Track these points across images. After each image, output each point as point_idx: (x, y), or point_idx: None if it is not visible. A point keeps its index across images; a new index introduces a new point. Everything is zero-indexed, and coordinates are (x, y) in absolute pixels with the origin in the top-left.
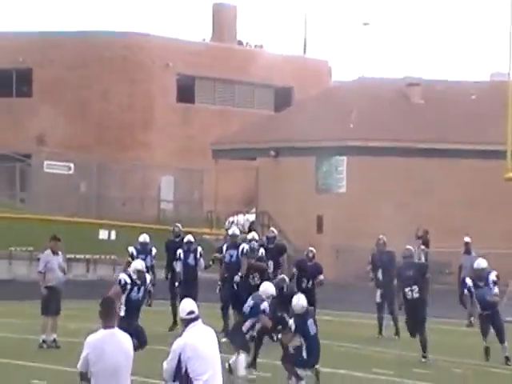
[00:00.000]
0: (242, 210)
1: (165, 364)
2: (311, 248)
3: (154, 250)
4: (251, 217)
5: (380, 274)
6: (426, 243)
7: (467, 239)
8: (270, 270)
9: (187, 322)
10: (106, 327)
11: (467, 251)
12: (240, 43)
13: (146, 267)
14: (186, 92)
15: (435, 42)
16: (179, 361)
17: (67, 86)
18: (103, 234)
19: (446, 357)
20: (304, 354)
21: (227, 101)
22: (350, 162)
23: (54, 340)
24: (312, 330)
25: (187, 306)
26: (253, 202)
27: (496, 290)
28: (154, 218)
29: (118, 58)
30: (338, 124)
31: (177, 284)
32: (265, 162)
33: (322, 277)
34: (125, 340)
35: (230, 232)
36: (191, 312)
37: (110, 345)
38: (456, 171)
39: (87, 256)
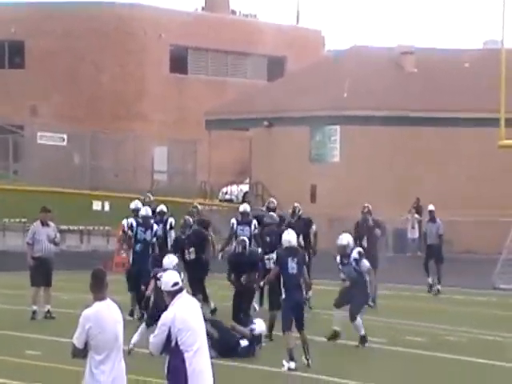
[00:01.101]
0: (236, 180)
1: (151, 338)
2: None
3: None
4: (245, 187)
5: (365, 242)
6: (419, 211)
7: (431, 207)
8: (301, 243)
9: (173, 294)
10: (99, 299)
11: (432, 219)
12: (233, 13)
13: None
14: (178, 62)
15: (428, 10)
16: (169, 334)
17: (59, 57)
18: (97, 205)
19: (441, 324)
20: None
21: (220, 71)
22: (343, 131)
23: (48, 311)
24: (291, 268)
25: (171, 278)
26: (246, 172)
27: (362, 265)
28: (147, 188)
29: (111, 29)
30: (332, 93)
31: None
32: (258, 132)
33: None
34: (117, 310)
35: (240, 209)
36: (175, 283)
37: (109, 316)
38: (450, 139)
39: (81, 227)
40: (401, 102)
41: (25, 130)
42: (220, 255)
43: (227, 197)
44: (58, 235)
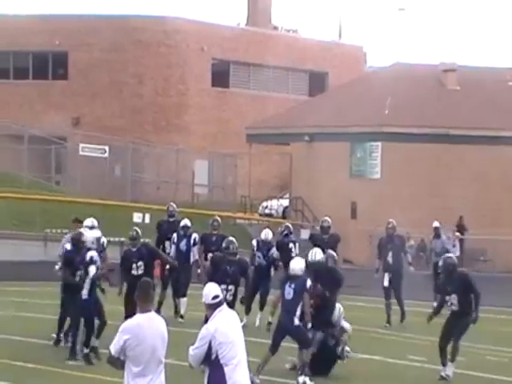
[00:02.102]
0: (276, 194)
1: (191, 350)
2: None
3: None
4: (285, 202)
5: (390, 258)
6: (462, 230)
7: (436, 224)
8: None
9: (214, 308)
10: (142, 311)
11: (437, 235)
12: (275, 28)
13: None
14: (220, 76)
15: (471, 28)
16: (209, 347)
17: (103, 69)
18: (137, 217)
19: (481, 344)
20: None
21: (262, 85)
22: (384, 147)
23: None
24: (287, 294)
25: (212, 290)
26: (286, 186)
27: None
28: (187, 202)
29: (154, 42)
30: (373, 110)
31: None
32: (299, 146)
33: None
34: (161, 323)
35: (262, 236)
36: (216, 296)
37: (149, 329)
38: (492, 158)
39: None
40: (442, 120)
41: (67, 141)
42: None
43: (267, 211)
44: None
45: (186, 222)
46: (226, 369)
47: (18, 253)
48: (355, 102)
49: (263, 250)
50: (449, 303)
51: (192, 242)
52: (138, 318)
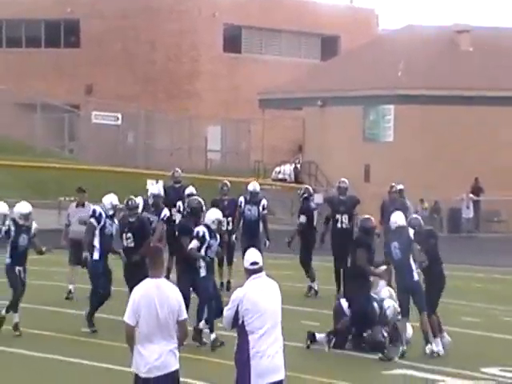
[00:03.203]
0: (289, 159)
1: (225, 311)
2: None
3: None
4: (298, 166)
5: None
6: (477, 191)
7: (400, 186)
8: (346, 224)
9: (250, 273)
10: (151, 276)
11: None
12: None
13: None
14: (232, 42)
15: None
16: (237, 311)
17: (114, 36)
18: (150, 184)
19: (495, 305)
20: None
21: (274, 50)
22: (397, 110)
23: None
24: (395, 255)
25: (251, 256)
26: (300, 151)
27: None
28: (201, 168)
29: (165, 9)
30: (386, 73)
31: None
32: (311, 111)
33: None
34: (170, 290)
35: (249, 188)
36: (254, 263)
37: (154, 294)
38: (507, 118)
39: None
40: (456, 81)
41: (80, 109)
42: (234, 236)
43: (280, 176)
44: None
45: (191, 189)
46: (250, 337)
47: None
48: (368, 65)
49: (253, 203)
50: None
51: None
52: (145, 283)
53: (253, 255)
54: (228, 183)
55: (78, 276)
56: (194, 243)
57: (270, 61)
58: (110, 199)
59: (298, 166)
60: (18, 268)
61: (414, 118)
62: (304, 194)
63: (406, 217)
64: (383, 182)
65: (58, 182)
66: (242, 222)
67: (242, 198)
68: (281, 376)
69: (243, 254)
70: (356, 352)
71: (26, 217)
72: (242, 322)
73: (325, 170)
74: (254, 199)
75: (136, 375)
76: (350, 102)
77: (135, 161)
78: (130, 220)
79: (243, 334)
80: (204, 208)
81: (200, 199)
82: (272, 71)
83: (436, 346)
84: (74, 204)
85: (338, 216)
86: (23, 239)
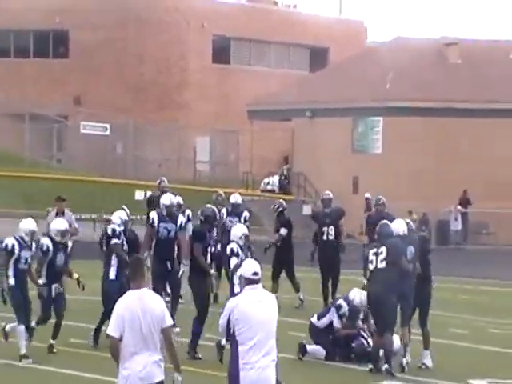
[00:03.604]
0: (278, 171)
1: (220, 319)
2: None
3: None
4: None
5: None
6: (465, 203)
7: (367, 195)
8: (332, 236)
9: (247, 283)
10: (133, 287)
11: (368, 208)
12: (275, 3)
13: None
14: (221, 53)
15: (472, 0)
16: (229, 320)
17: (103, 47)
18: (139, 195)
19: (483, 317)
20: None
21: (263, 62)
22: (386, 122)
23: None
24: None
25: (252, 266)
26: (288, 163)
27: None
28: (189, 179)
29: (154, 20)
30: (375, 84)
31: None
32: (300, 122)
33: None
34: (152, 301)
35: (231, 200)
36: (256, 273)
37: (137, 305)
38: (495, 130)
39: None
40: (444, 94)
41: (69, 119)
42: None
43: (269, 187)
44: (74, 224)
45: (178, 199)
46: (240, 347)
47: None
48: (356, 77)
49: (234, 214)
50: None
51: (185, 218)
52: (127, 295)
53: (254, 265)
54: (222, 193)
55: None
56: (235, 261)
57: (258, 72)
58: (119, 215)
59: (283, 177)
60: (54, 286)
61: (402, 130)
62: (279, 208)
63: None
64: (372, 193)
65: (45, 193)
66: (222, 233)
67: (223, 210)
68: None
69: (224, 265)
70: (345, 363)
71: (63, 234)
72: (233, 331)
73: (313, 181)
74: (235, 211)
75: None
76: (338, 113)
77: (124, 171)
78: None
79: (234, 345)
80: (218, 216)
81: (214, 208)
82: (261, 82)
83: (424, 359)
84: (53, 213)
85: (324, 228)
86: (60, 258)
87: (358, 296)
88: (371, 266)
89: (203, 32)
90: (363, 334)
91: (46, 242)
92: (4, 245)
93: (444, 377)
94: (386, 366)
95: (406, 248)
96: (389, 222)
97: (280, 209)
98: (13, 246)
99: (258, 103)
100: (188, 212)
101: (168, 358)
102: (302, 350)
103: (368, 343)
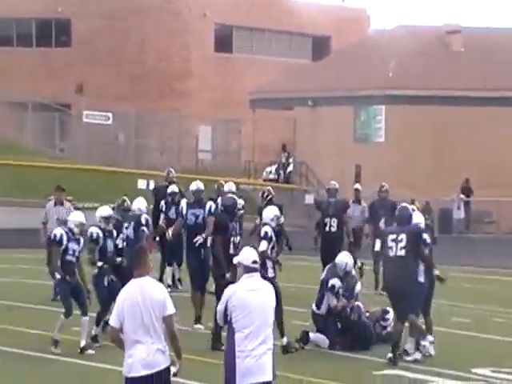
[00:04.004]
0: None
1: (218, 306)
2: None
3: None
4: (289, 167)
5: (383, 224)
6: (467, 192)
7: (357, 186)
8: (334, 227)
9: (246, 271)
10: (135, 276)
11: (357, 200)
12: None
13: None
14: (223, 41)
15: None
16: (226, 307)
17: (105, 36)
18: (141, 184)
19: (486, 306)
20: None
21: (265, 50)
22: (388, 111)
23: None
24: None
25: (252, 254)
26: (290, 151)
27: None
28: (191, 168)
29: (155, 8)
30: (377, 73)
31: (157, 238)
32: (302, 111)
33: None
34: (152, 287)
35: (226, 188)
36: (255, 262)
37: (138, 293)
38: (498, 119)
39: None
40: (447, 82)
41: (71, 108)
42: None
43: (271, 176)
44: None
45: (173, 188)
46: (236, 335)
47: (22, 220)
48: (359, 65)
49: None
50: None
51: (180, 209)
52: (129, 285)
53: (253, 254)
54: (172, 170)
55: None
56: (265, 245)
57: (260, 61)
58: (139, 205)
59: (280, 165)
60: (110, 276)
61: (405, 119)
62: (268, 196)
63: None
64: (374, 182)
65: (48, 182)
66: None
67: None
68: (267, 377)
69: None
70: (347, 352)
71: (107, 220)
72: (230, 318)
73: (316, 170)
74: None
75: (125, 377)
76: (340, 102)
77: (126, 160)
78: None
79: (231, 332)
80: (238, 206)
81: (235, 197)
82: (263, 71)
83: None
84: (52, 202)
85: (327, 220)
86: (110, 244)
87: (349, 260)
88: (391, 253)
89: (205, 20)
90: (361, 307)
91: (94, 230)
92: (53, 235)
93: (447, 366)
94: (390, 354)
95: (424, 236)
96: (408, 206)
97: (269, 196)
98: (61, 236)
99: (260, 92)
100: (184, 202)
101: (170, 347)
102: (305, 338)
103: (375, 325)
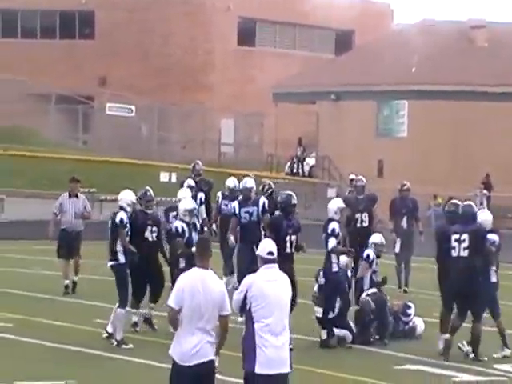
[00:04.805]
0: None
1: (234, 295)
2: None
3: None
4: (311, 161)
5: (404, 222)
6: (488, 187)
7: (352, 176)
8: (366, 222)
9: (264, 262)
10: (199, 266)
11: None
12: None
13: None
14: (246, 35)
15: None
16: (245, 297)
17: (129, 28)
18: (164, 177)
19: (508, 301)
20: None
21: (288, 44)
22: (411, 105)
23: (74, 282)
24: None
25: (268, 245)
26: (313, 145)
27: None
28: (214, 161)
29: (179, 1)
30: (400, 68)
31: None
32: (325, 105)
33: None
34: (213, 280)
35: (231, 185)
36: (271, 253)
37: (198, 284)
38: None
39: None
40: (470, 77)
41: (94, 100)
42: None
43: (294, 170)
44: (88, 208)
45: (189, 181)
46: (256, 325)
47: (47, 212)
48: (382, 60)
49: (230, 199)
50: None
51: (199, 201)
52: (191, 272)
53: (270, 245)
54: (200, 162)
55: (71, 267)
56: (334, 241)
57: (283, 54)
58: (184, 206)
59: (295, 159)
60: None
61: (428, 114)
62: (268, 190)
63: (417, 215)
64: (396, 177)
65: (71, 173)
66: (219, 217)
67: (219, 194)
68: (286, 369)
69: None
70: (367, 347)
71: (192, 213)
72: (250, 308)
73: (338, 164)
74: (232, 195)
75: (174, 361)
76: (363, 96)
77: (149, 153)
78: (149, 212)
79: (250, 322)
80: (295, 203)
81: (290, 193)
82: (286, 65)
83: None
84: (67, 194)
85: (357, 215)
86: (195, 237)
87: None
88: (454, 253)
89: (229, 14)
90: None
91: (178, 224)
92: (174, 227)
93: (469, 361)
94: (472, 354)
95: (489, 235)
96: (472, 203)
97: (270, 190)
98: (182, 228)
99: (283, 86)
100: (201, 195)
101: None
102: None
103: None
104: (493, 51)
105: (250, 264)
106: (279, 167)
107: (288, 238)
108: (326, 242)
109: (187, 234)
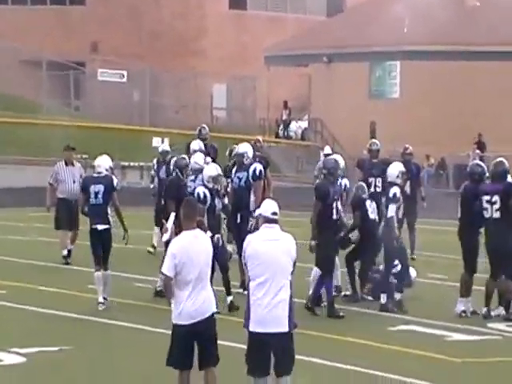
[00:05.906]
0: (295, 116)
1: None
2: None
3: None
4: (303, 124)
5: (407, 188)
6: (481, 147)
7: (328, 151)
8: (379, 187)
9: (265, 221)
10: (187, 228)
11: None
12: None
13: None
14: None
15: None
16: (244, 256)
17: None
18: (156, 142)
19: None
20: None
21: (279, 7)
22: (403, 66)
23: (69, 251)
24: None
25: (271, 206)
26: (305, 108)
27: None
28: (206, 125)
29: None
30: (392, 28)
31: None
32: (317, 68)
33: None
34: (205, 239)
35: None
36: (275, 213)
37: (195, 245)
38: None
39: (141, 163)
40: (462, 37)
41: (86, 66)
42: None
43: (291, 133)
44: (84, 175)
45: (199, 144)
46: (251, 283)
47: (40, 179)
48: (373, 21)
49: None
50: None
51: (172, 168)
52: (184, 235)
53: (273, 206)
54: (206, 127)
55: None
56: (393, 209)
57: (275, 17)
58: (209, 172)
59: (280, 123)
60: (216, 236)
61: (420, 75)
62: (256, 143)
63: (419, 180)
64: (389, 138)
65: (64, 140)
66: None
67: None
68: (281, 328)
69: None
70: (361, 308)
71: (216, 179)
72: (246, 266)
73: (330, 127)
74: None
75: (174, 324)
76: (355, 58)
77: (141, 118)
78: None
79: (248, 281)
80: (342, 166)
81: (337, 158)
82: (277, 28)
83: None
84: (63, 162)
85: (371, 179)
86: (218, 203)
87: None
88: (486, 215)
89: None
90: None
91: (201, 190)
92: (196, 193)
93: (463, 321)
94: (503, 312)
95: None
96: (504, 160)
97: (259, 144)
98: (204, 194)
99: (275, 49)
100: (208, 160)
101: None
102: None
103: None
104: (485, 10)
105: (237, 233)
106: (272, 130)
107: (334, 204)
108: (386, 207)
109: (209, 201)
